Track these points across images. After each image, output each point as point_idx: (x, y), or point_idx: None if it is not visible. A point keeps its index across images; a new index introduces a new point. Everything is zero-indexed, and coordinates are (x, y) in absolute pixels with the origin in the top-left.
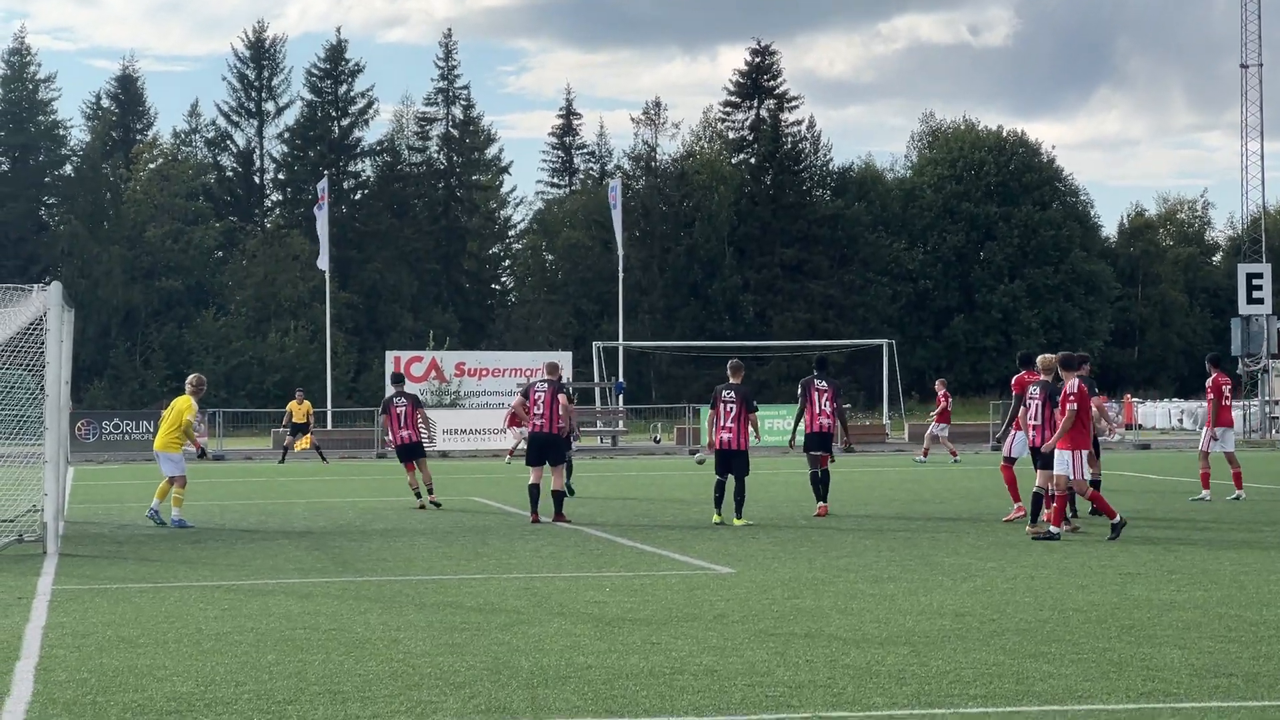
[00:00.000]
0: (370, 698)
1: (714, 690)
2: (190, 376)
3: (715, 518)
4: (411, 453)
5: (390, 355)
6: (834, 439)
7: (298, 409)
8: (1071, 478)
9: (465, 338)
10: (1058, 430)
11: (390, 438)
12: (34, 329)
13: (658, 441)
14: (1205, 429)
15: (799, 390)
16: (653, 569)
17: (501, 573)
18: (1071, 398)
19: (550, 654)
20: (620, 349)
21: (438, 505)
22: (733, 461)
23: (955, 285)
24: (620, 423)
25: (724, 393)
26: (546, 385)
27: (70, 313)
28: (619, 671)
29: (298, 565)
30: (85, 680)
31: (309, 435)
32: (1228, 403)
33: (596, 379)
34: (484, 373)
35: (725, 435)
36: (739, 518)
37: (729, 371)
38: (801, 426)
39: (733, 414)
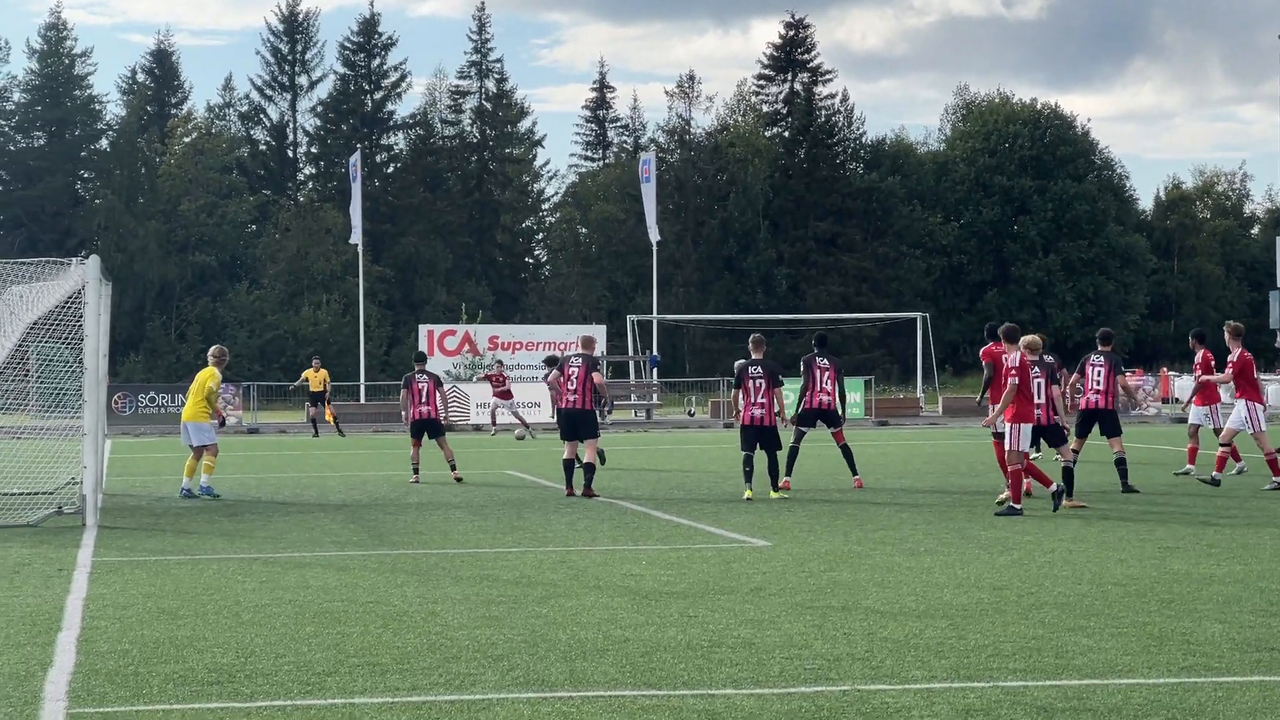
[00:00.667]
0: (408, 670)
1: (751, 663)
2: (212, 348)
3: (747, 493)
4: (433, 429)
5: (423, 329)
6: (840, 415)
7: (314, 377)
8: (1008, 448)
9: (498, 311)
10: (1000, 404)
11: (408, 413)
12: (71, 303)
13: (692, 415)
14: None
15: (801, 367)
16: (689, 542)
17: (538, 546)
18: (1012, 371)
19: (587, 627)
20: (654, 322)
21: (460, 480)
22: (764, 436)
23: (989, 259)
24: (654, 396)
25: (750, 369)
26: (580, 360)
27: (107, 286)
28: (656, 644)
29: (334, 538)
30: (127, 651)
31: (329, 406)
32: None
33: (630, 352)
34: (517, 346)
35: (757, 411)
36: (775, 490)
37: (751, 347)
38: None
39: (762, 390)
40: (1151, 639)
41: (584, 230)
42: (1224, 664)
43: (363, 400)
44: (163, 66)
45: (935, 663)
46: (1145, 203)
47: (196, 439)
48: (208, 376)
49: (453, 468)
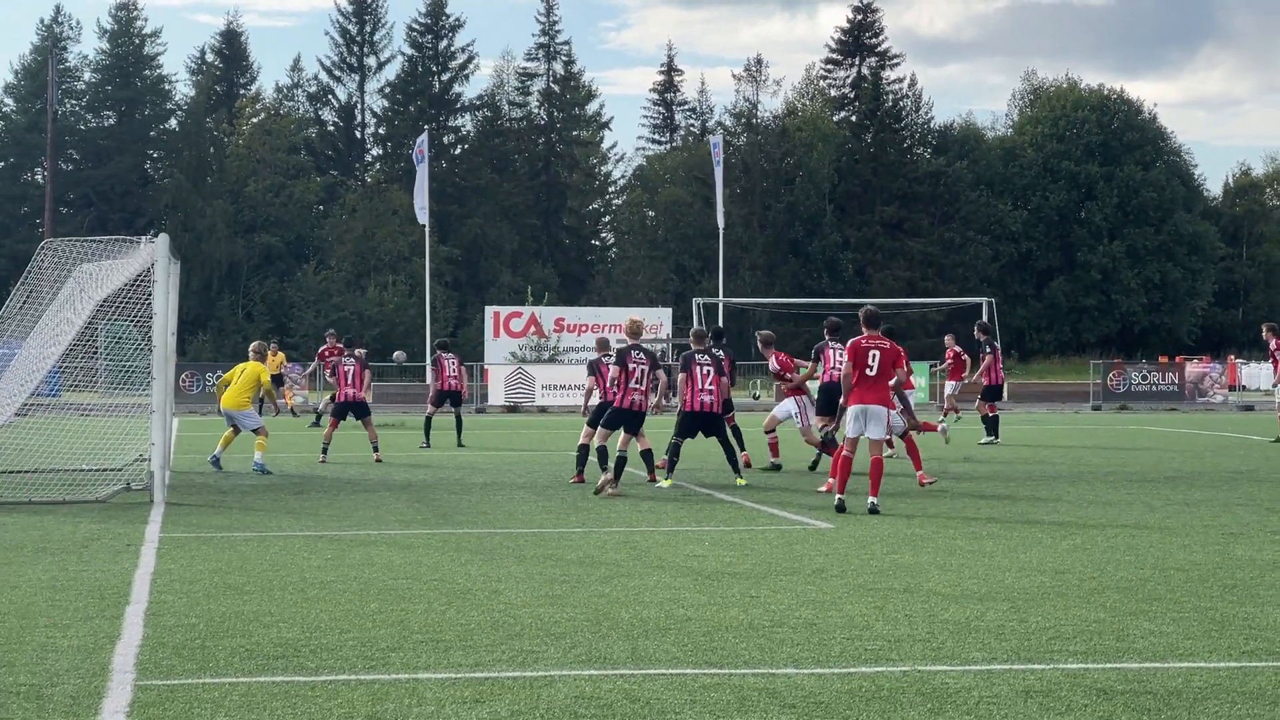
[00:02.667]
0: (472, 646)
1: (813, 643)
2: (254, 344)
3: (667, 482)
4: (358, 410)
5: (490, 310)
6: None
7: (272, 360)
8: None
9: (565, 293)
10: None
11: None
12: (140, 281)
13: (756, 398)
14: None
15: (812, 354)
16: (751, 524)
17: (601, 526)
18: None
19: (650, 606)
20: (720, 306)
21: (380, 462)
22: (711, 425)
23: (1056, 245)
24: None
25: (699, 356)
26: (644, 358)
27: (176, 265)
28: (718, 624)
29: (399, 517)
30: (193, 625)
31: (286, 389)
32: None
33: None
34: (583, 328)
35: (706, 398)
36: (740, 478)
37: (693, 339)
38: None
39: (710, 376)
40: (1213, 623)
41: (650, 213)
42: None
43: (428, 380)
44: (232, 47)
45: (996, 644)
46: (1214, 189)
47: (246, 424)
48: (261, 372)
49: (375, 449)
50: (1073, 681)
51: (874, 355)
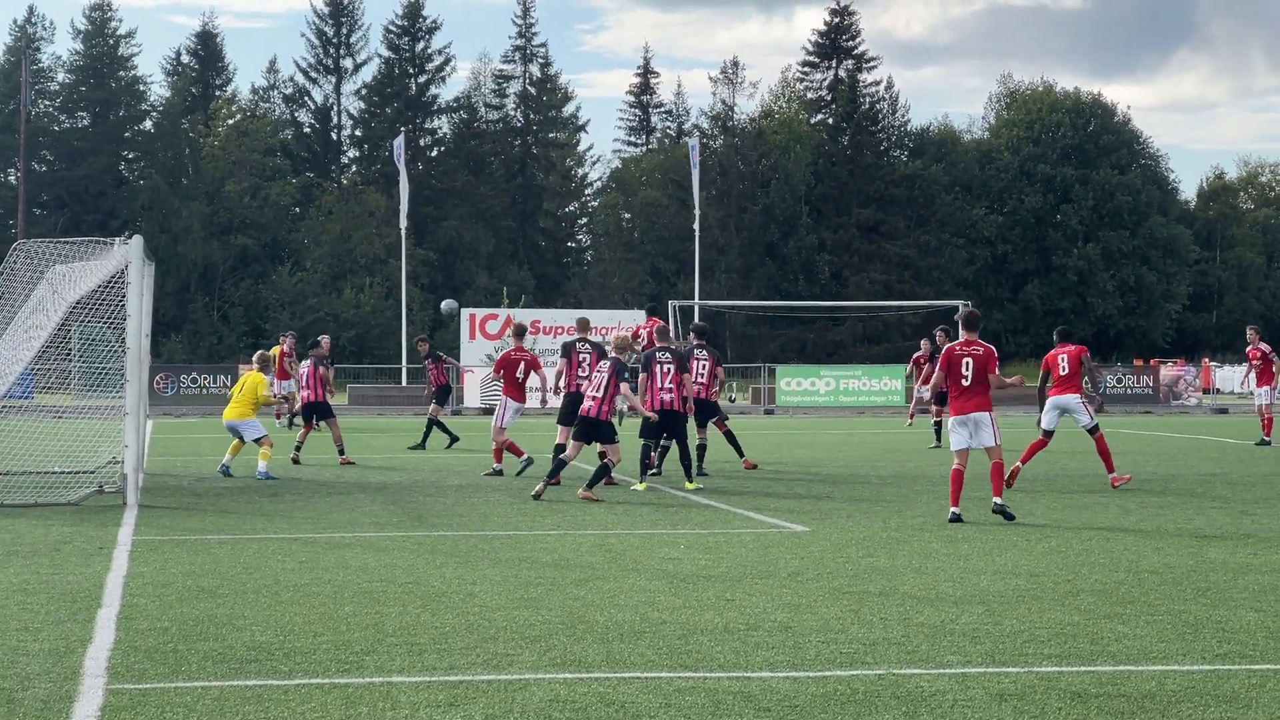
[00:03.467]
0: (446, 649)
1: (788, 646)
2: (257, 354)
3: (642, 485)
4: (321, 412)
5: (466, 312)
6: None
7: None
8: None
9: (541, 295)
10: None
11: (306, 394)
12: (115, 283)
13: (732, 401)
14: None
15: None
16: (727, 527)
17: (576, 529)
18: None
19: (625, 609)
20: (696, 308)
21: (350, 464)
22: (672, 423)
23: (1031, 248)
24: None
25: (659, 354)
26: (590, 349)
27: (150, 267)
28: (693, 627)
29: (374, 519)
30: (166, 629)
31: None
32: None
33: (672, 338)
34: (559, 330)
35: (666, 396)
36: (690, 482)
37: (658, 336)
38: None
39: (670, 374)
40: (1187, 626)
41: (626, 215)
42: (1258, 652)
43: (404, 383)
44: (207, 48)
45: (971, 648)
46: (1188, 193)
47: (249, 435)
48: (259, 382)
49: (340, 451)
50: (1047, 685)
51: (967, 363)
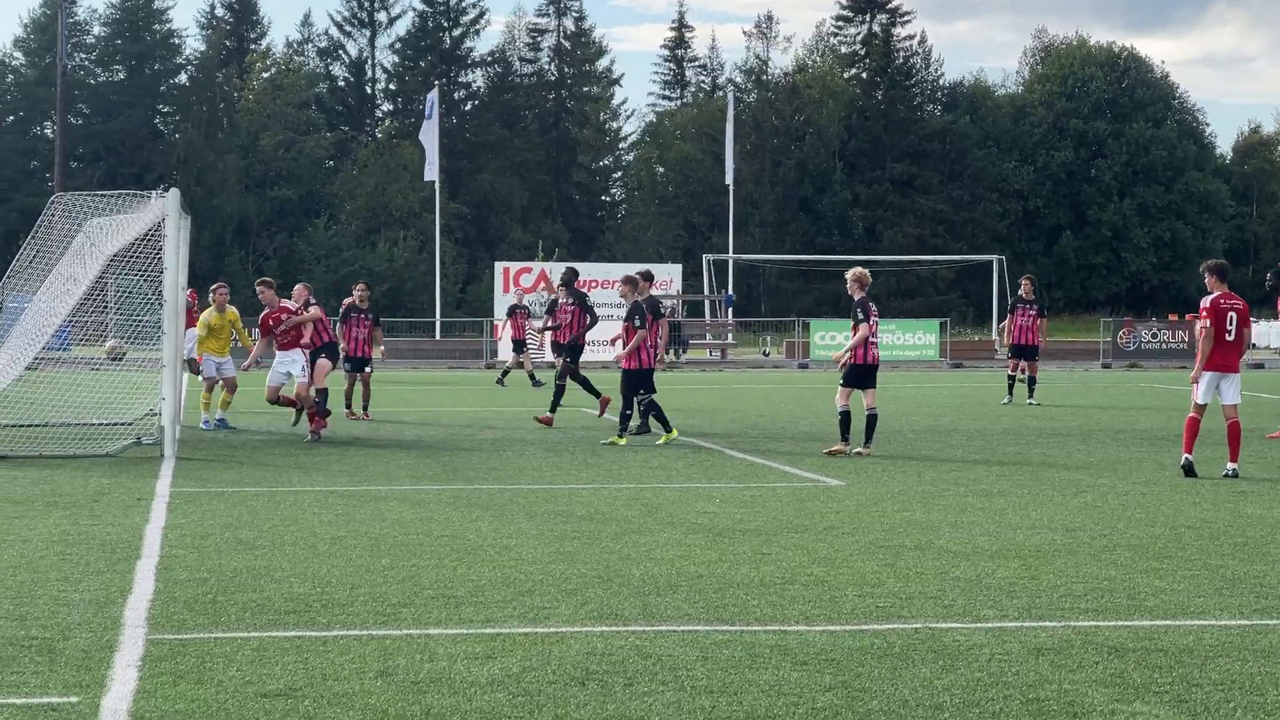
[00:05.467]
0: (483, 602)
1: (825, 600)
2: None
3: (669, 437)
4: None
5: (499, 266)
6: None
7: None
8: None
9: (575, 249)
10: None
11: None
12: (151, 236)
13: (766, 355)
14: None
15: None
16: (763, 481)
17: (611, 483)
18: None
19: (661, 563)
20: (730, 262)
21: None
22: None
23: (1065, 203)
24: (729, 335)
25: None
26: (573, 302)
27: (187, 220)
28: (730, 580)
29: (409, 473)
30: (205, 580)
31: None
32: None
33: (706, 292)
34: (593, 284)
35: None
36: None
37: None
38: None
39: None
40: (1224, 581)
41: (661, 169)
42: None
43: (438, 336)
44: (242, 2)
45: (1007, 602)
46: (1224, 148)
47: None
48: (234, 319)
49: (348, 405)
50: (1084, 639)
51: (1232, 318)
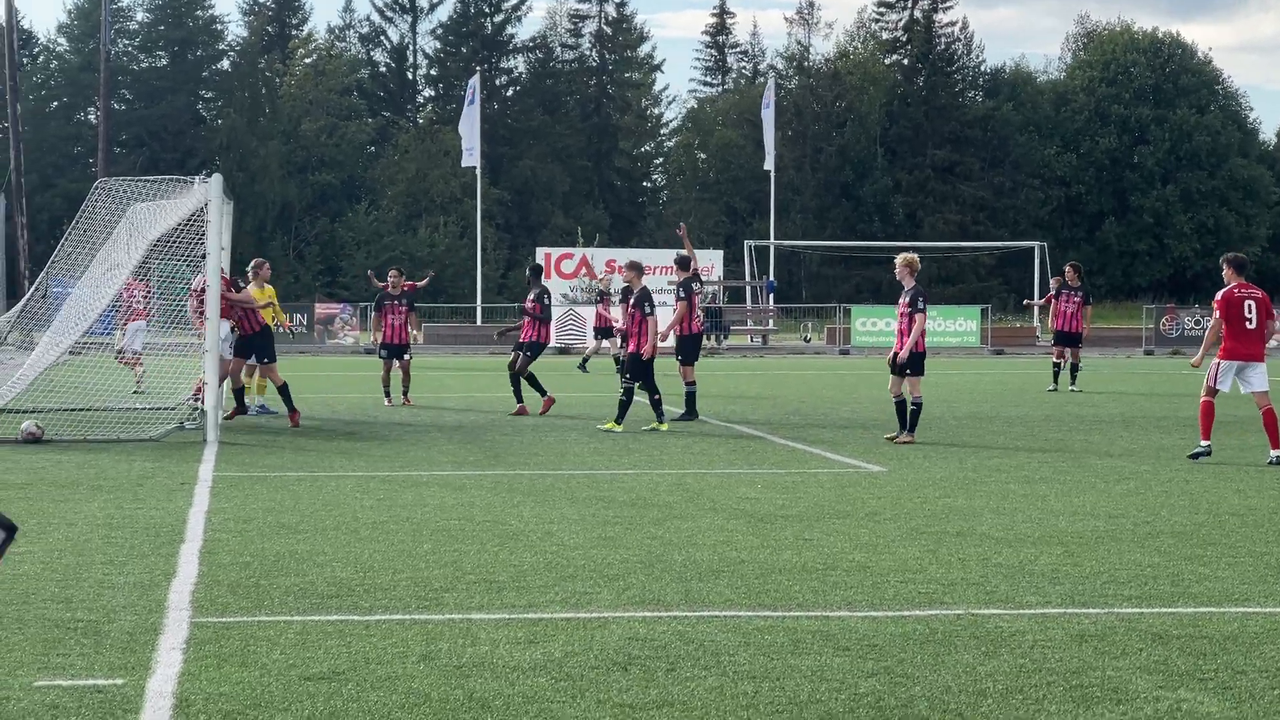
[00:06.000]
0: (525, 587)
1: (867, 586)
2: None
3: (666, 426)
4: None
5: (540, 251)
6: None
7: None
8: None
9: (616, 235)
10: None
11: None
12: (194, 221)
13: (808, 340)
14: None
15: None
16: (804, 467)
17: (653, 468)
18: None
19: (703, 548)
20: (771, 248)
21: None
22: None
23: (1107, 189)
24: (770, 322)
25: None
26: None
27: (229, 205)
28: (772, 566)
29: (451, 458)
30: (248, 564)
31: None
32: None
33: (747, 278)
34: None
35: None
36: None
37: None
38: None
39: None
40: (1269, 569)
41: (702, 155)
42: None
43: (479, 322)
44: None
45: (1050, 589)
46: (1268, 134)
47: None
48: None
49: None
50: (1128, 626)
51: (1250, 305)
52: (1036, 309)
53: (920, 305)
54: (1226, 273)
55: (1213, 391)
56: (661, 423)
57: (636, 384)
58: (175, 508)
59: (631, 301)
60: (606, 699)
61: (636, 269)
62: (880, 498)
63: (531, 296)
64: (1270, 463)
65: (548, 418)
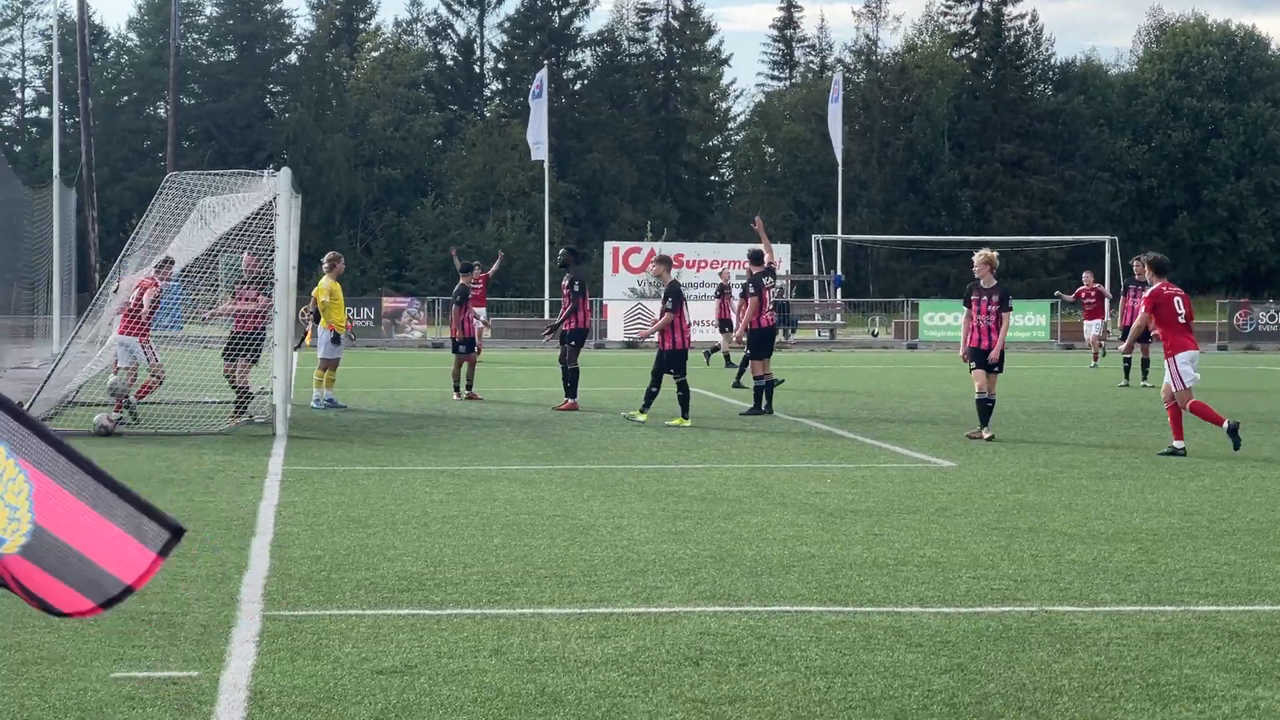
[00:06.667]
0: (596, 582)
1: (938, 582)
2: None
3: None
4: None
5: (609, 245)
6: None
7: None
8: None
9: (684, 229)
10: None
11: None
12: (262, 215)
13: (875, 335)
14: None
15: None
16: (873, 461)
17: (722, 463)
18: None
19: (773, 543)
20: (839, 242)
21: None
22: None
23: (1180, 183)
24: (838, 316)
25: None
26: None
27: (297, 199)
28: (842, 561)
29: (520, 452)
30: (319, 557)
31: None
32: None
33: (815, 272)
34: (702, 264)
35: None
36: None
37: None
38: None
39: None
40: None
41: (769, 149)
42: None
43: (547, 315)
44: None
45: (1124, 586)
46: None
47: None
48: (319, 288)
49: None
50: (1204, 624)
51: (1179, 301)
52: (1067, 298)
53: (1009, 304)
54: (1150, 275)
55: (1188, 392)
56: (643, 414)
57: (685, 376)
58: (246, 501)
59: (664, 296)
60: (678, 694)
61: (665, 263)
62: (951, 493)
63: (564, 283)
64: (1166, 453)
65: (617, 412)
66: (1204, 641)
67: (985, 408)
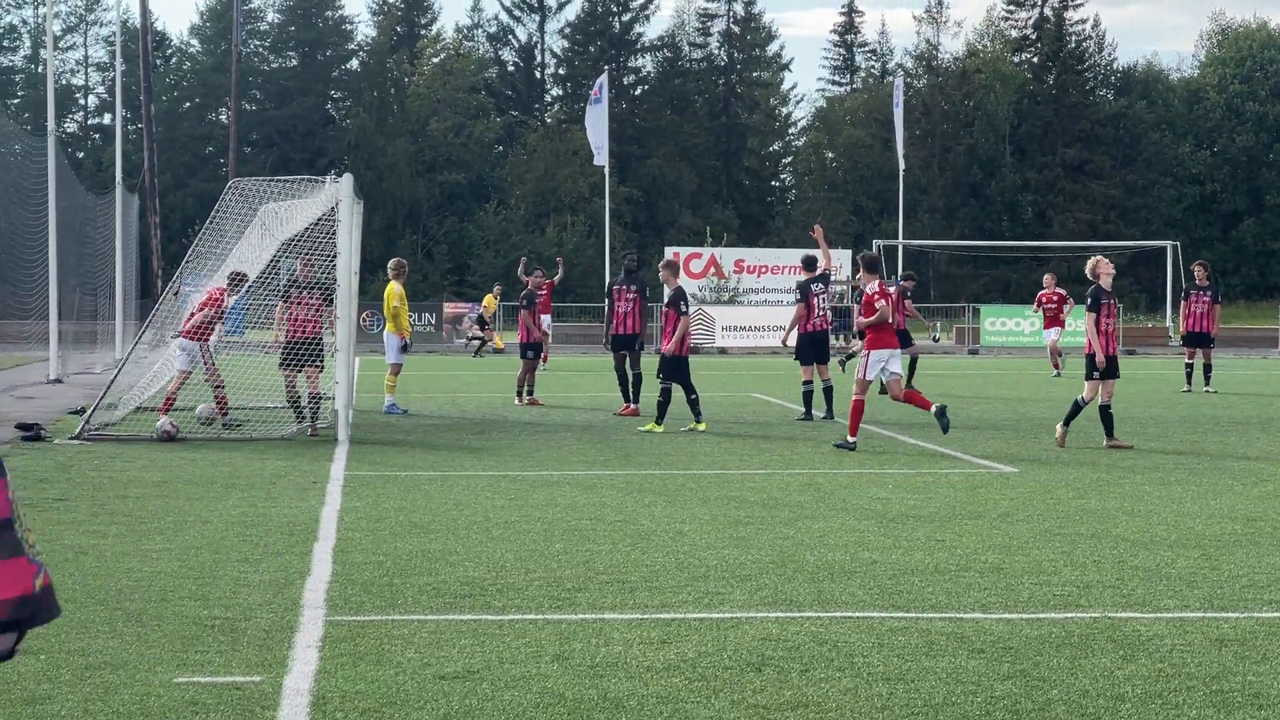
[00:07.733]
0: (658, 588)
1: (1001, 588)
2: (391, 261)
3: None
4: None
5: (669, 251)
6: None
7: (492, 302)
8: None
9: (744, 234)
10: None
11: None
12: (324, 221)
13: (936, 340)
14: None
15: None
16: (934, 467)
17: (783, 468)
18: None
19: (835, 549)
20: (900, 247)
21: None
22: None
23: (1243, 187)
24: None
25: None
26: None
27: (360, 205)
28: (904, 567)
29: (581, 458)
30: (381, 563)
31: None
32: None
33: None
34: (763, 270)
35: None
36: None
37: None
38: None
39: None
40: None
41: (830, 155)
42: None
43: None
44: None
45: (1188, 592)
46: None
47: (386, 356)
48: (389, 293)
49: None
50: (1269, 631)
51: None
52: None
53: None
54: (865, 275)
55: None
56: (699, 422)
57: (673, 384)
58: (308, 506)
59: (666, 300)
60: (740, 700)
61: (672, 269)
62: (1012, 499)
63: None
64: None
65: (679, 420)
66: (1268, 648)
67: (1104, 415)
